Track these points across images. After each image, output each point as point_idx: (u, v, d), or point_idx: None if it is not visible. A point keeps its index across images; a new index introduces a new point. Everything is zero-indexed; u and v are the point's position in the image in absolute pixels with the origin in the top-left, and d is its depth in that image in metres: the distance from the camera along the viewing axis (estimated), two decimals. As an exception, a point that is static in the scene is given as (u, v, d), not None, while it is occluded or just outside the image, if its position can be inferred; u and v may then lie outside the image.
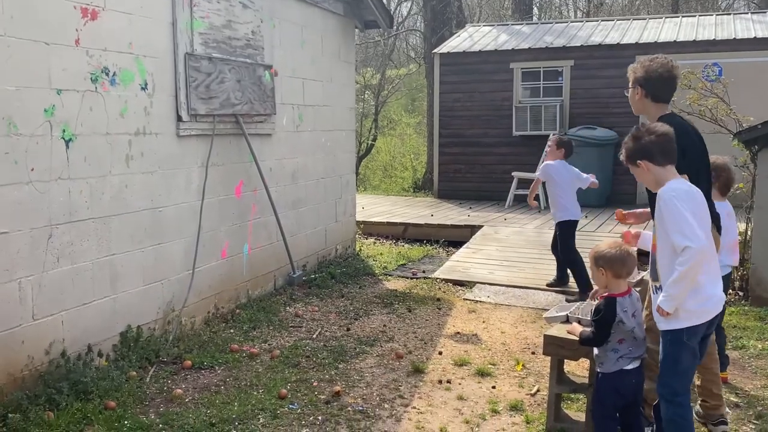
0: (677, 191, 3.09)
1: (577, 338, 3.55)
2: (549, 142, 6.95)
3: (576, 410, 4.10)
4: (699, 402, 3.95)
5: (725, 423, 3.85)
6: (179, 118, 5.24)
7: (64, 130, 4.23)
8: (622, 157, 3.32)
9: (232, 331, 5.55)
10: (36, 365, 4.10)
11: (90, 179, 4.45)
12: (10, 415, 3.67)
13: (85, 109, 4.39)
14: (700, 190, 3.19)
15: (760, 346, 5.21)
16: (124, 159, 4.74)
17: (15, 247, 3.95)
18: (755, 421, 4.00)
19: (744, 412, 4.12)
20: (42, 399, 3.92)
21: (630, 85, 3.78)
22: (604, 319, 3.36)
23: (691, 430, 3.18)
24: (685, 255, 2.99)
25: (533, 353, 5.16)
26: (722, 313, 3.48)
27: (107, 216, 4.60)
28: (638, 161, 3.18)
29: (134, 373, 4.50)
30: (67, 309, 4.31)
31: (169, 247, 5.20)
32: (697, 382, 3.95)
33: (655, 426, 3.47)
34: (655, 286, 3.25)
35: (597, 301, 3.49)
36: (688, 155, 3.45)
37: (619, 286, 3.39)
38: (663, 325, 3.16)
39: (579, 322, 3.70)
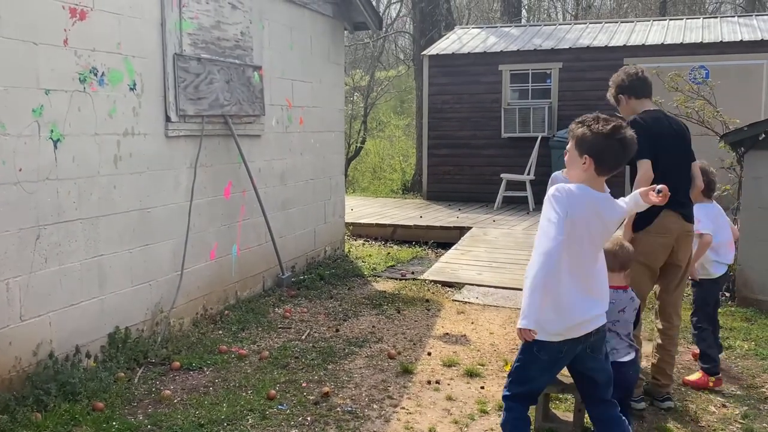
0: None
1: None
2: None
3: (564, 410, 4.12)
4: (651, 379, 4.22)
5: (670, 399, 4.14)
6: (168, 119, 5.22)
7: (52, 131, 4.22)
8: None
9: (220, 332, 5.53)
10: (23, 366, 4.08)
11: (78, 180, 4.43)
12: (-3, 416, 3.65)
13: (74, 110, 4.37)
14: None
15: (746, 346, 5.26)
16: (113, 159, 4.72)
17: (2, 247, 3.92)
18: (741, 421, 4.03)
19: (730, 411, 4.16)
20: (30, 400, 3.90)
21: (614, 102, 4.13)
22: None
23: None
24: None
25: (522, 354, 5.18)
26: None
27: (95, 217, 4.58)
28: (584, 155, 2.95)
29: (122, 374, 4.48)
30: (55, 310, 4.29)
31: (157, 248, 5.18)
32: (653, 361, 4.25)
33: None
34: None
35: None
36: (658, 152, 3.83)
37: (612, 280, 3.43)
38: None
39: None
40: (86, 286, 4.53)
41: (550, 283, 2.85)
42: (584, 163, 2.93)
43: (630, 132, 2.94)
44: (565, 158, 3.09)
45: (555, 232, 2.81)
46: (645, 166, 3.87)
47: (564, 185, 2.94)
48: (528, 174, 11.29)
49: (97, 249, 4.60)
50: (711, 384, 4.41)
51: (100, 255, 4.63)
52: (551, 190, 2.92)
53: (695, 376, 4.50)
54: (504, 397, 3.19)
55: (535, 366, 3.05)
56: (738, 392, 4.45)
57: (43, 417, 3.79)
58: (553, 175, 5.24)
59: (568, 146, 3.04)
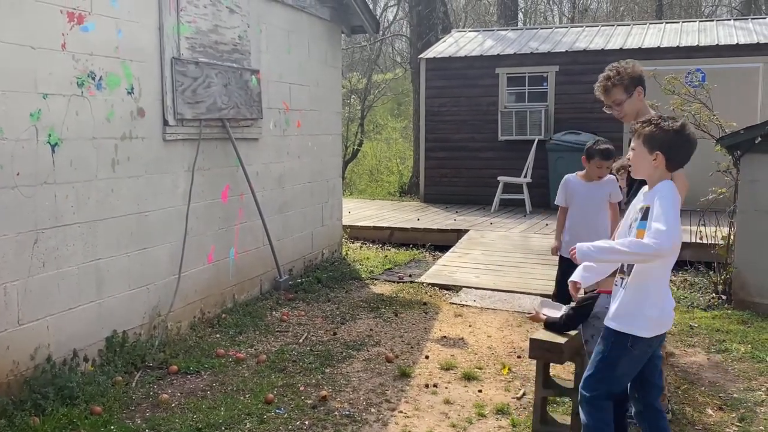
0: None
1: (545, 326, 3.79)
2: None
3: (562, 413, 4.13)
4: None
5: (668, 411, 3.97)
6: (166, 123, 5.23)
7: (50, 135, 4.22)
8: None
9: (218, 335, 5.54)
10: (21, 370, 4.07)
11: (76, 184, 4.43)
12: (-6, 420, 3.65)
13: (72, 114, 4.38)
14: None
15: (742, 349, 5.28)
16: (111, 163, 4.73)
17: (0, 251, 3.92)
18: (738, 424, 4.05)
19: (727, 414, 4.17)
20: (27, 404, 3.90)
21: (622, 95, 3.92)
22: (579, 312, 3.57)
23: None
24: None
25: (519, 357, 5.19)
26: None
27: (93, 221, 4.58)
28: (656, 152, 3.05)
29: (120, 378, 4.48)
30: (53, 314, 4.29)
31: (155, 252, 5.18)
32: None
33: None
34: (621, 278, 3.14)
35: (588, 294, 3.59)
36: None
37: (605, 285, 3.47)
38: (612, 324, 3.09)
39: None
40: (84, 290, 4.53)
41: (655, 276, 3.00)
42: (654, 159, 3.03)
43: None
44: (629, 159, 3.15)
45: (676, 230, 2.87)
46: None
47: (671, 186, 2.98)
48: (525, 177, 11.31)
49: (94, 253, 4.61)
50: None
51: (97, 259, 4.63)
52: (668, 190, 2.95)
53: None
54: (588, 400, 3.17)
55: (624, 361, 3.08)
56: (735, 395, 4.46)
57: (41, 421, 3.79)
58: (565, 177, 5.25)
59: (632, 144, 3.12)
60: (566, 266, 5.10)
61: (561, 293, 5.09)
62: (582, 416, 3.21)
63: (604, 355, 3.10)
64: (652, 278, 3.01)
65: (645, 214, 2.98)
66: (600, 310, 3.46)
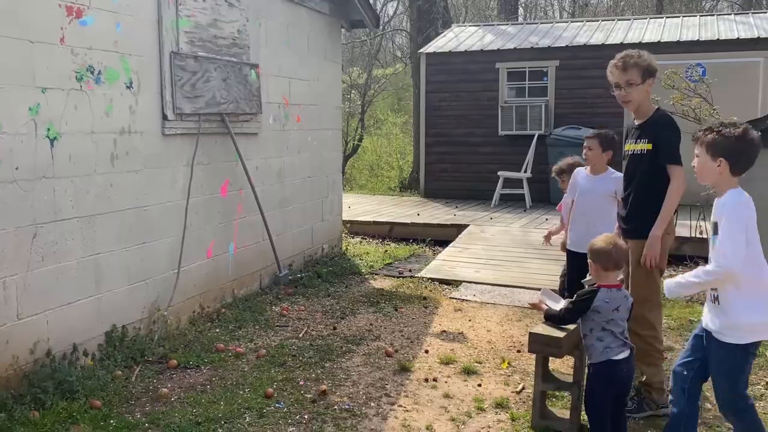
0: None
1: (544, 317, 3.79)
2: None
3: (561, 407, 4.13)
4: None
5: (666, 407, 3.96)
6: (165, 117, 5.22)
7: (48, 129, 4.21)
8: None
9: (217, 330, 5.54)
10: (21, 365, 4.08)
11: (75, 178, 4.43)
12: (-6, 415, 3.64)
13: (70, 108, 4.37)
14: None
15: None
16: (110, 158, 4.72)
17: (-1, 246, 3.93)
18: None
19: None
20: (27, 398, 3.90)
21: (637, 79, 3.96)
22: (578, 306, 3.56)
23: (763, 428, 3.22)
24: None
25: (519, 351, 5.19)
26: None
27: (92, 215, 4.58)
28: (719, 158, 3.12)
29: (120, 372, 4.49)
30: (52, 308, 4.29)
31: (154, 247, 5.18)
32: (642, 379, 4.13)
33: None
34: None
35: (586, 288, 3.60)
36: None
37: (607, 278, 3.51)
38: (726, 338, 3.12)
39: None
40: (83, 285, 4.53)
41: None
42: (719, 165, 3.10)
43: (756, 133, 3.12)
44: (694, 166, 3.22)
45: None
46: (682, 174, 3.87)
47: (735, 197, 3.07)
48: (525, 171, 11.30)
49: (94, 247, 4.60)
50: None
51: (96, 253, 4.63)
52: (732, 204, 3.05)
53: None
54: (733, 412, 3.19)
55: (749, 366, 3.17)
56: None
57: (41, 415, 3.79)
58: (576, 170, 5.24)
59: (696, 152, 3.20)
60: (572, 260, 5.11)
61: (568, 287, 5.12)
62: (738, 425, 3.24)
63: (732, 369, 3.14)
64: (740, 288, 3.06)
65: (715, 229, 3.10)
66: (600, 305, 3.46)
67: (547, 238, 5.87)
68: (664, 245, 4.00)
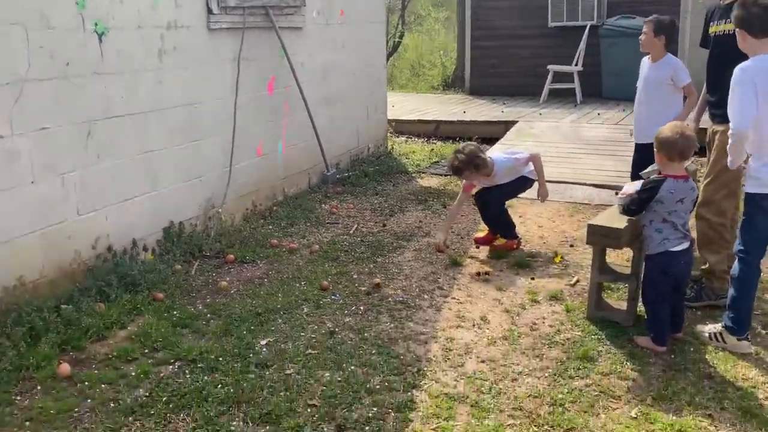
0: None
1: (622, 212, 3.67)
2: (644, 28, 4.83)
3: (617, 299, 4.12)
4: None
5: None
6: (209, 11, 5.10)
7: (96, 24, 4.15)
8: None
9: (270, 227, 5.61)
10: (83, 259, 4.19)
11: (124, 74, 4.39)
12: (62, 306, 3.78)
13: (116, 2, 4.28)
14: None
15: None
16: (157, 54, 4.66)
17: (56, 143, 3.96)
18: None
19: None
20: (92, 291, 4.03)
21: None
22: (644, 196, 3.47)
23: (751, 287, 3.46)
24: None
25: (571, 246, 5.16)
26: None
27: (143, 112, 4.57)
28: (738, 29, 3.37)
29: (179, 266, 4.60)
30: (110, 205, 4.36)
31: (205, 144, 5.19)
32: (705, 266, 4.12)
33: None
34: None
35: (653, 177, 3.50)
36: None
37: (672, 168, 3.41)
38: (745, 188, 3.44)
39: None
40: (139, 182, 4.58)
41: None
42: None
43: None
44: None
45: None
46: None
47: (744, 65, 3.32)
48: (576, 65, 10.88)
49: (147, 145, 4.62)
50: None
51: (150, 151, 4.66)
52: (738, 72, 3.29)
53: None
54: (738, 257, 3.46)
55: (760, 220, 3.38)
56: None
57: (107, 306, 3.93)
58: (643, 59, 4.97)
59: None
60: (638, 151, 4.94)
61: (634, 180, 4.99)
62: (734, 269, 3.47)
63: (745, 217, 3.43)
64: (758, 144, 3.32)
65: None
66: (664, 195, 3.37)
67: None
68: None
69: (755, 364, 3.38)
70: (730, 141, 3.33)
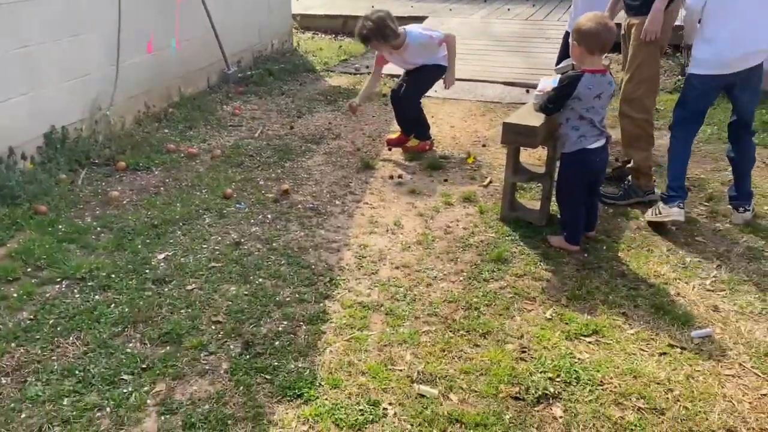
0: None
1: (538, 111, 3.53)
2: None
3: (530, 199, 4.05)
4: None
5: (653, 192, 4.02)
6: None
7: None
8: None
9: (166, 131, 5.20)
10: (-49, 170, 3.73)
11: (-17, -44, 3.80)
12: (-71, 223, 3.37)
13: None
14: None
15: (708, 130, 5.19)
16: (21, -68, 4.05)
17: None
18: (706, 203, 4.04)
19: (695, 194, 4.15)
20: (-36, 205, 3.61)
21: None
22: (561, 92, 3.32)
23: (678, 157, 3.68)
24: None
25: (484, 146, 5.04)
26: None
27: (15, 1, 4.00)
28: None
29: (64, 176, 4.18)
30: (-22, 108, 3.87)
31: (87, 39, 4.66)
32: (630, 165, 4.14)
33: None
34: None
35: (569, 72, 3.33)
36: None
37: (592, 62, 3.25)
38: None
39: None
40: (14, 82, 4.07)
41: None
42: None
43: None
44: None
45: None
46: None
47: None
48: (485, -41, 10.54)
49: (21, 39, 4.08)
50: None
51: (24, 46, 4.12)
52: None
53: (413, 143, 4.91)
54: (671, 126, 3.73)
55: (691, 96, 3.61)
56: (702, 176, 4.44)
57: (-18, 222, 3.53)
58: None
59: None
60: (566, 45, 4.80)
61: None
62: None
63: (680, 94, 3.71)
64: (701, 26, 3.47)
65: None
66: (582, 91, 3.23)
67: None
68: (668, 22, 3.74)
69: (666, 261, 3.40)
70: (684, 14, 3.49)
